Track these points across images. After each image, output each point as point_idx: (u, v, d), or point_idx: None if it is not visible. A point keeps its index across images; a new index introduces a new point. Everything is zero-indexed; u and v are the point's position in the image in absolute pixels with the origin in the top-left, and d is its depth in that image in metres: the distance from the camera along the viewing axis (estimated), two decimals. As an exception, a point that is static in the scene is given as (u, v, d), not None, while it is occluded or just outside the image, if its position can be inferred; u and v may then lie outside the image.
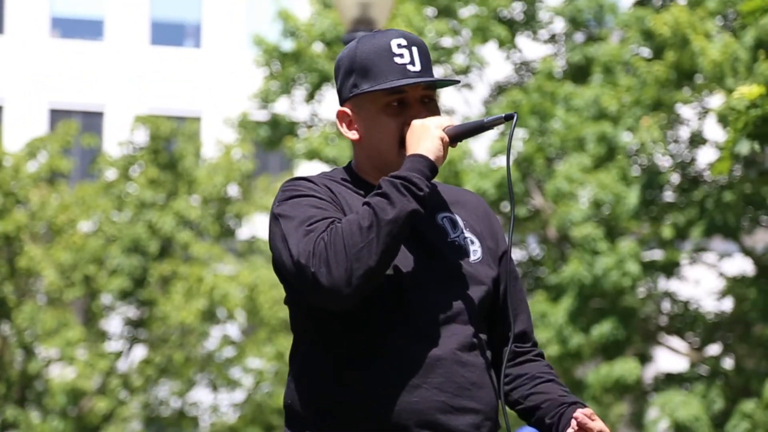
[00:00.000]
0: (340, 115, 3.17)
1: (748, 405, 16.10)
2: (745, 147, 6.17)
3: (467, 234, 3.17)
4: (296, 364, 3.11)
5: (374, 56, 3.12)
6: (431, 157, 3.05)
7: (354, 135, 3.16)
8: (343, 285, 2.94)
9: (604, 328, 16.54)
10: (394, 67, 3.10)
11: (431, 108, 3.14)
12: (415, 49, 3.12)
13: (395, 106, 3.12)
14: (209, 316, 21.73)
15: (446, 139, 3.09)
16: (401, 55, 3.11)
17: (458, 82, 3.20)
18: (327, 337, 3.07)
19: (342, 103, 3.18)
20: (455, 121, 3.17)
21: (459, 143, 3.19)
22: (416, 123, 3.09)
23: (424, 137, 3.07)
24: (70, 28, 31.97)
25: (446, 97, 21.16)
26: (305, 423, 3.06)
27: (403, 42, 3.12)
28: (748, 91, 6.11)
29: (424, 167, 3.04)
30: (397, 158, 3.11)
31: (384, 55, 3.11)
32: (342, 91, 3.16)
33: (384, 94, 3.11)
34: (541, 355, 3.25)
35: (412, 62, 3.12)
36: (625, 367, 16.62)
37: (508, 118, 3.12)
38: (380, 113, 3.12)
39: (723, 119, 15.37)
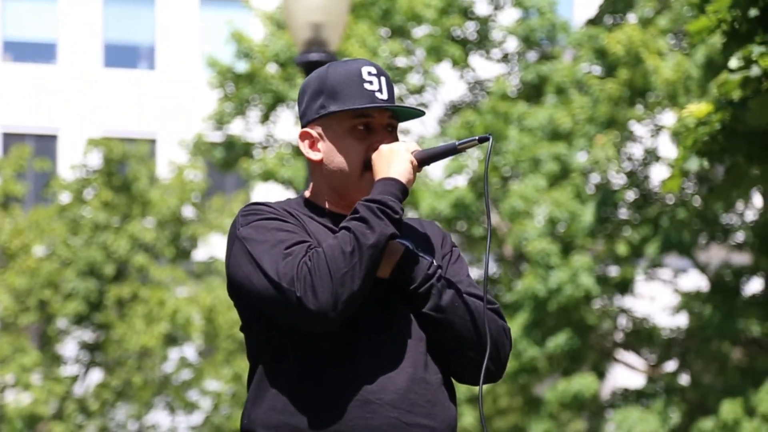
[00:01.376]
0: (304, 135, 3.21)
1: (707, 423, 16.18)
2: (694, 164, 6.23)
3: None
4: (253, 386, 3.14)
5: (345, 80, 3.18)
6: (403, 180, 3.11)
7: (316, 156, 3.20)
8: (330, 309, 2.99)
9: (559, 340, 16.60)
10: (364, 92, 3.17)
11: (394, 136, 3.21)
12: (383, 79, 3.20)
13: (361, 130, 3.17)
14: (170, 340, 21.64)
15: (415, 162, 3.15)
16: (371, 82, 3.18)
17: (424, 113, 3.26)
18: (284, 357, 3.09)
19: (306, 124, 3.22)
20: (417, 145, 3.21)
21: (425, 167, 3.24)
22: (384, 147, 3.15)
23: (395, 161, 3.12)
24: (23, 51, 31.80)
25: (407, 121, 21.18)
26: None
27: (373, 71, 3.20)
28: (696, 109, 6.17)
29: (396, 190, 3.09)
30: (358, 181, 3.16)
31: (354, 80, 3.18)
32: (307, 112, 3.21)
33: (351, 116, 3.16)
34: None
35: (380, 90, 3.19)
36: (582, 382, 16.67)
37: (482, 140, 3.18)
38: (346, 135, 3.17)
39: (676, 137, 15.50)
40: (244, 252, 3.07)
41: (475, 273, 19.60)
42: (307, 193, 3.26)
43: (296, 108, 3.41)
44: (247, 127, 20.06)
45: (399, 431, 3.05)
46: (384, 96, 3.19)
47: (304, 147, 3.21)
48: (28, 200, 25.71)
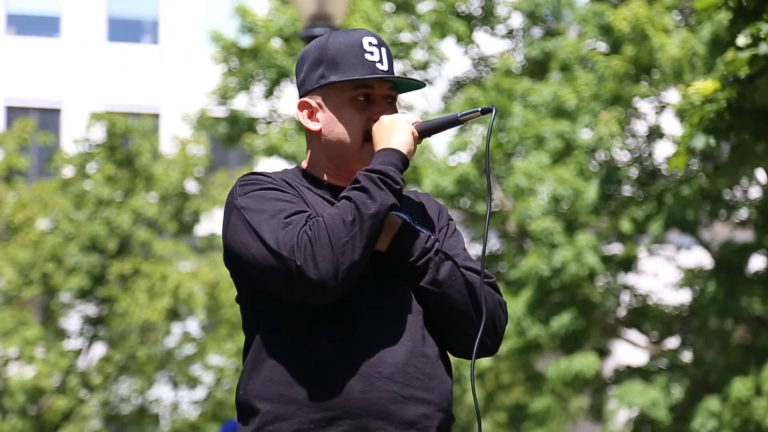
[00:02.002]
0: (302, 105, 3.19)
1: (713, 402, 16.20)
2: (700, 141, 6.21)
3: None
4: (249, 357, 3.12)
5: (346, 50, 3.15)
6: (403, 150, 3.10)
7: (315, 126, 3.18)
8: (330, 278, 2.97)
9: (563, 319, 16.61)
10: (365, 62, 3.15)
11: (393, 108, 3.20)
12: (383, 50, 3.19)
13: (361, 101, 3.16)
14: (173, 314, 21.67)
15: (416, 133, 3.14)
16: (371, 53, 3.17)
17: (424, 85, 3.25)
18: (281, 329, 3.08)
19: (305, 93, 3.19)
20: (417, 116, 3.20)
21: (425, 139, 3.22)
22: (385, 118, 3.14)
23: (395, 131, 3.11)
24: (26, 25, 31.75)
25: (406, 92, 21.15)
26: (259, 416, 3.07)
27: (374, 41, 3.18)
28: (703, 86, 6.15)
29: (397, 161, 3.08)
30: (358, 152, 3.14)
31: (355, 50, 3.16)
32: (306, 81, 3.19)
33: (352, 87, 3.15)
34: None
35: (381, 61, 3.18)
36: (584, 362, 16.69)
37: (484, 111, 3.15)
38: (346, 106, 3.15)
39: (681, 114, 15.46)
40: (242, 221, 3.05)
41: (478, 249, 19.60)
42: (304, 164, 3.23)
43: (294, 78, 3.36)
44: (250, 102, 20.03)
45: (397, 405, 3.04)
46: (384, 67, 3.18)
47: (303, 117, 3.19)
48: (31, 174, 25.71)
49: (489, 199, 3.17)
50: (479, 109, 3.15)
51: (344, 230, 2.98)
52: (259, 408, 3.07)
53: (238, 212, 3.07)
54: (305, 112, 3.19)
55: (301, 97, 3.21)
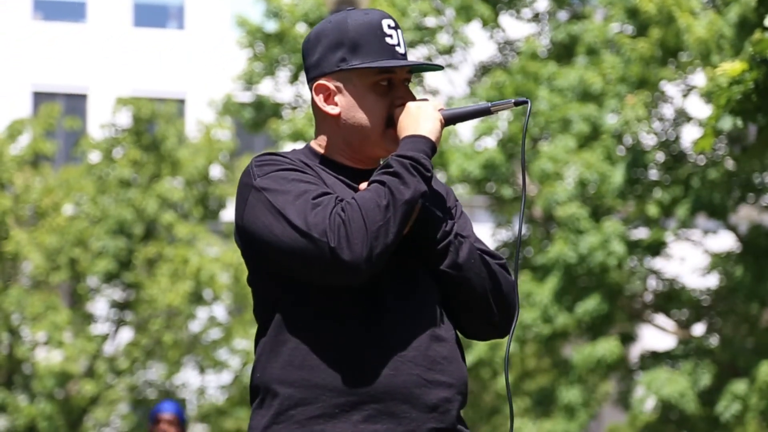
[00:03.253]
0: (319, 88, 3.13)
1: (739, 386, 16.13)
2: (727, 123, 6.17)
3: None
4: (267, 340, 3.07)
5: (367, 33, 3.10)
6: (432, 138, 3.07)
7: (333, 110, 3.13)
8: (363, 261, 2.94)
9: (588, 305, 16.57)
10: (386, 47, 3.11)
11: (410, 90, 3.16)
12: (399, 32, 3.15)
13: (384, 86, 3.12)
14: (196, 298, 21.71)
15: (442, 120, 3.11)
16: (391, 36, 3.12)
17: (442, 68, 3.21)
18: (302, 315, 3.05)
19: (321, 75, 3.13)
20: (443, 103, 3.18)
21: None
22: (413, 105, 3.10)
23: (424, 118, 3.08)
24: (53, 10, 31.84)
25: (431, 76, 21.12)
26: (279, 399, 3.04)
27: (392, 23, 3.14)
28: (730, 67, 6.11)
29: (427, 148, 3.05)
30: (380, 137, 3.11)
31: (377, 33, 3.11)
32: (323, 63, 3.12)
33: (375, 72, 3.10)
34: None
35: (399, 44, 3.14)
36: (606, 347, 16.66)
37: (518, 103, 3.12)
38: (369, 91, 3.11)
39: (708, 96, 15.37)
40: (263, 202, 3.00)
41: (504, 235, 19.56)
42: (316, 146, 3.17)
43: (303, 58, 3.27)
44: (276, 88, 20.02)
45: (420, 388, 3.03)
46: (402, 50, 3.15)
47: (320, 100, 3.13)
48: (58, 159, 25.80)
49: (524, 193, 3.14)
50: (513, 101, 3.12)
51: (379, 214, 2.96)
52: (279, 392, 3.03)
53: (258, 193, 3.02)
54: (322, 95, 3.13)
55: (313, 78, 3.14)
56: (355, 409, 3.01)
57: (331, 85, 3.12)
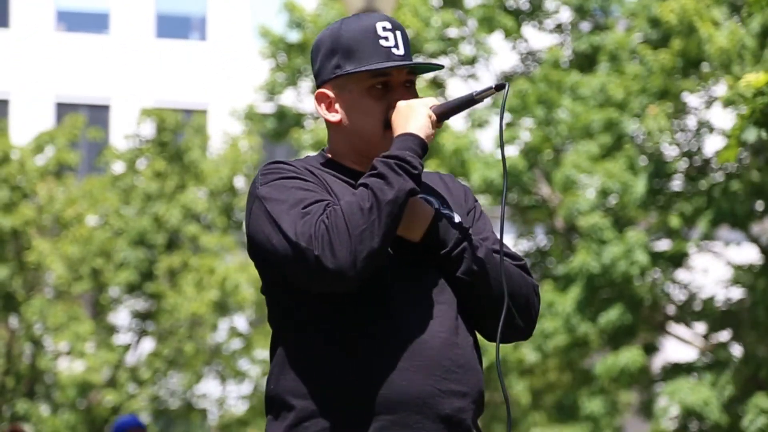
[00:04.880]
0: (320, 97, 3.13)
1: (763, 399, 16.06)
2: (752, 134, 6.15)
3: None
4: (281, 351, 3.06)
5: (360, 37, 3.08)
6: (421, 135, 3.03)
7: (334, 117, 3.12)
8: (348, 267, 2.91)
9: (611, 315, 16.52)
10: (380, 49, 3.08)
11: (412, 92, 3.13)
12: (398, 33, 3.11)
13: (379, 89, 3.09)
14: (220, 308, 21.74)
15: (434, 117, 3.07)
16: (386, 38, 3.09)
17: (442, 67, 3.18)
18: (313, 325, 3.03)
19: (321, 84, 3.13)
20: (435, 100, 3.15)
21: (447, 122, 3.17)
22: (402, 103, 3.07)
23: (412, 116, 3.05)
24: (76, 21, 31.97)
25: (452, 87, 21.14)
26: (294, 412, 3.03)
27: (388, 25, 3.10)
28: (755, 78, 6.09)
29: (415, 145, 3.01)
30: (380, 141, 3.08)
31: (369, 37, 3.08)
32: (322, 71, 3.12)
33: (369, 75, 3.08)
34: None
35: (396, 46, 3.10)
36: (629, 356, 16.61)
37: (498, 88, 3.08)
38: (364, 95, 3.09)
39: (729, 104, 15.33)
40: (263, 212, 3.00)
41: (526, 245, 19.54)
42: (327, 152, 3.18)
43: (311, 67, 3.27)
44: (298, 98, 20.06)
45: (434, 398, 3.00)
46: (400, 51, 3.10)
47: (322, 109, 3.13)
48: (81, 170, 25.89)
49: (504, 178, 3.12)
50: (493, 86, 3.08)
51: (362, 218, 2.92)
52: (293, 404, 3.02)
53: (259, 202, 3.02)
54: (323, 103, 3.13)
55: (317, 87, 3.14)
56: (369, 421, 2.98)
57: (330, 92, 3.12)
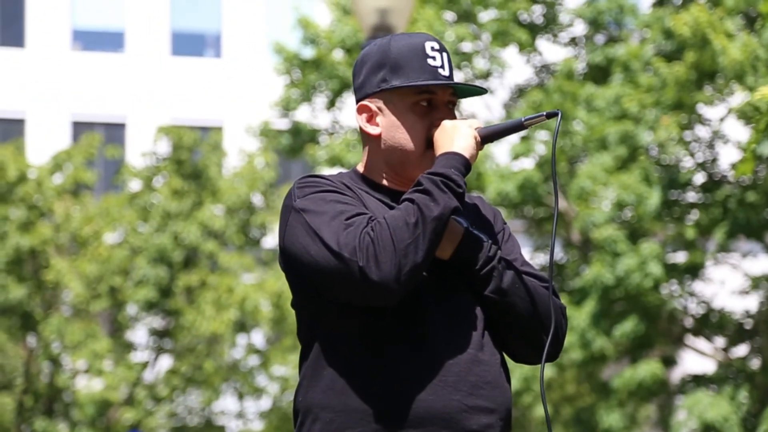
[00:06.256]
0: (362, 108, 3.16)
1: (779, 411, 16.02)
2: (767, 148, 6.15)
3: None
4: (309, 364, 3.08)
5: (409, 54, 3.12)
6: (466, 155, 3.07)
7: (375, 130, 3.14)
8: (392, 280, 2.93)
9: (626, 327, 16.49)
10: (427, 68, 3.12)
11: (454, 113, 3.17)
12: (445, 55, 3.16)
13: (424, 107, 3.13)
14: (239, 326, 21.77)
15: (478, 138, 3.11)
16: (434, 58, 3.13)
17: (486, 91, 3.21)
18: (342, 337, 3.05)
19: (365, 96, 3.16)
20: (480, 122, 3.17)
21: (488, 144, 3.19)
22: (447, 123, 3.11)
23: (458, 135, 3.08)
24: (91, 40, 32.09)
25: (467, 101, 21.16)
26: (320, 424, 3.05)
27: (436, 46, 3.15)
28: (769, 91, 6.08)
29: (459, 164, 3.04)
30: (420, 158, 3.11)
31: (418, 54, 3.12)
32: (366, 84, 3.15)
33: (415, 92, 3.12)
34: None
35: (443, 66, 3.14)
36: (647, 368, 16.57)
37: (549, 116, 3.11)
38: (408, 111, 3.12)
39: (743, 117, 15.32)
40: (301, 223, 3.01)
41: (542, 258, 19.52)
42: (360, 168, 3.19)
43: (352, 81, 3.29)
44: (313, 114, 20.10)
45: (461, 414, 3.01)
46: (446, 72, 3.14)
47: (362, 120, 3.15)
48: (98, 188, 25.96)
49: (555, 205, 3.15)
50: (544, 114, 3.11)
51: (407, 232, 2.95)
52: (320, 416, 3.04)
53: (297, 215, 3.03)
54: (364, 115, 3.15)
55: (359, 100, 3.17)
56: (396, 434, 3.00)
57: (372, 105, 3.14)
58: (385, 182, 3.16)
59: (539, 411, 19.41)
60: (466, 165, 3.05)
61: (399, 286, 2.94)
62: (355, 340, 3.04)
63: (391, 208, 3.08)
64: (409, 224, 2.95)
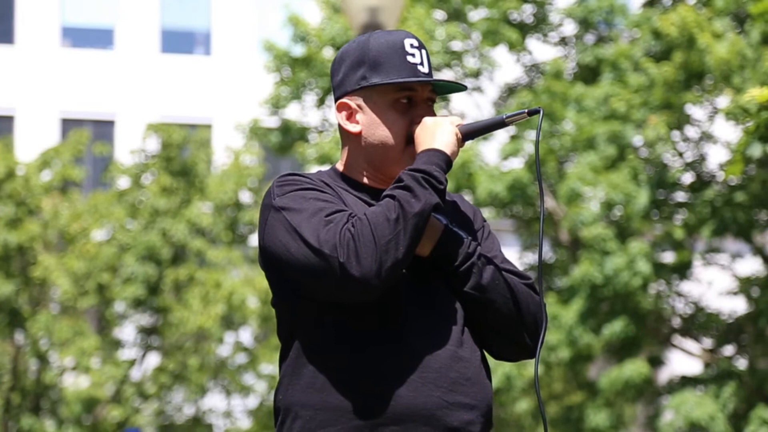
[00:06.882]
0: (341, 106, 3.15)
1: (767, 412, 16.03)
2: (757, 150, 6.16)
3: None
4: (289, 362, 3.08)
5: (388, 51, 3.12)
6: (447, 151, 3.06)
7: (355, 128, 3.14)
8: (373, 276, 2.93)
9: (615, 327, 16.50)
10: (407, 65, 3.12)
11: (433, 110, 3.17)
12: (424, 52, 3.16)
13: (404, 103, 3.13)
14: (226, 322, 21.75)
15: (459, 135, 3.11)
16: (413, 55, 3.13)
17: (466, 87, 3.21)
18: (322, 335, 3.05)
19: (344, 94, 3.15)
20: (461, 119, 3.17)
21: (468, 142, 3.19)
22: (429, 119, 3.11)
23: (439, 132, 3.08)
24: (81, 37, 32.03)
25: (456, 100, 21.15)
26: (301, 422, 3.04)
27: (415, 43, 3.15)
28: (759, 93, 6.09)
29: (440, 161, 3.04)
30: (400, 155, 3.11)
31: (398, 51, 3.13)
32: (346, 82, 3.15)
33: (394, 89, 3.12)
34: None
35: (422, 63, 3.14)
36: (632, 368, 16.59)
37: (531, 113, 3.12)
38: (389, 108, 3.12)
39: (730, 116, 15.33)
40: (281, 221, 3.01)
41: (530, 258, 19.53)
42: (339, 166, 3.19)
43: (331, 78, 3.29)
44: (303, 112, 20.08)
45: (442, 410, 3.01)
46: (425, 69, 3.14)
47: (342, 118, 3.15)
48: (86, 185, 25.91)
49: (541, 202, 3.16)
50: (526, 111, 3.11)
51: (388, 228, 2.94)
52: (300, 414, 3.04)
53: (276, 213, 3.03)
54: (344, 113, 3.15)
55: (339, 98, 3.17)
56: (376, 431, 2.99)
57: (352, 103, 3.14)
58: (365, 180, 3.15)
59: (521, 407, 19.41)
60: (447, 162, 3.05)
61: (379, 282, 2.93)
62: (335, 338, 3.03)
63: (371, 206, 3.07)
64: (390, 220, 2.95)
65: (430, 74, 3.15)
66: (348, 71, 3.14)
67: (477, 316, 3.10)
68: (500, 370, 17.03)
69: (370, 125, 3.12)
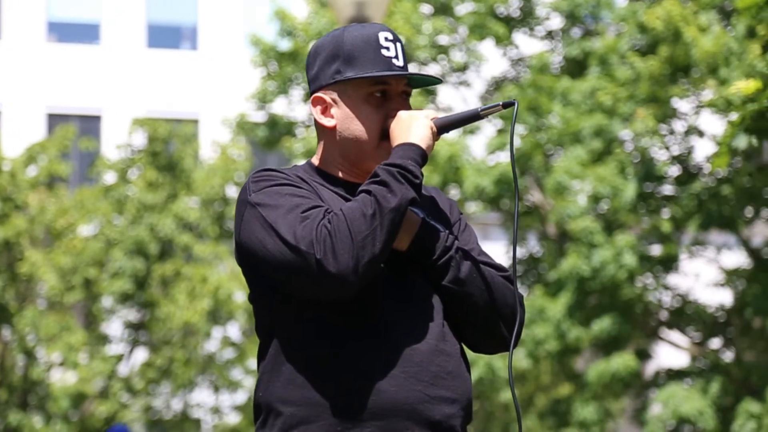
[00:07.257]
0: (316, 101, 3.14)
1: (754, 405, 16.08)
2: (742, 141, 6.17)
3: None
4: (269, 359, 3.07)
5: (362, 45, 3.11)
6: (422, 145, 3.05)
7: (329, 122, 3.13)
8: (350, 272, 2.92)
9: (604, 323, 16.53)
10: (381, 58, 3.10)
11: (408, 103, 3.15)
12: (399, 45, 3.14)
13: (378, 97, 3.11)
14: (213, 317, 21.72)
15: (434, 129, 3.10)
16: (388, 48, 3.12)
17: (440, 81, 3.20)
18: (301, 332, 3.04)
19: (318, 88, 3.14)
20: (436, 112, 3.16)
21: (444, 135, 3.18)
22: (404, 113, 3.09)
23: (414, 126, 3.07)
24: (67, 32, 31.95)
25: (443, 94, 21.15)
26: (282, 418, 3.03)
27: (390, 36, 3.14)
28: (745, 85, 6.11)
29: (416, 155, 3.03)
30: (375, 149, 3.10)
31: (372, 45, 3.11)
32: (320, 76, 3.14)
33: (369, 83, 3.10)
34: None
35: (397, 57, 3.12)
36: (619, 361, 16.62)
37: (506, 105, 3.10)
38: (363, 102, 3.11)
39: (715, 108, 15.37)
40: (257, 217, 3.00)
41: (518, 252, 19.54)
42: (315, 161, 3.18)
43: (306, 72, 3.27)
44: (289, 106, 20.07)
45: (423, 404, 3.01)
46: (400, 63, 3.12)
47: (317, 112, 3.13)
48: (73, 180, 25.86)
49: (516, 194, 3.14)
50: (500, 103, 3.10)
51: (364, 223, 2.94)
52: (282, 411, 3.03)
53: (252, 209, 3.02)
54: (319, 107, 3.13)
55: (314, 92, 3.16)
56: (357, 427, 2.99)
57: (327, 97, 3.13)
58: (341, 174, 3.14)
59: (504, 396, 19.42)
60: (422, 156, 3.04)
61: (357, 278, 2.93)
62: (314, 334, 3.02)
63: (348, 200, 3.06)
64: (367, 216, 2.94)
65: (405, 67, 3.13)
66: (322, 65, 3.13)
67: (455, 309, 3.10)
68: (484, 359, 17.07)
69: (345, 119, 3.11)
